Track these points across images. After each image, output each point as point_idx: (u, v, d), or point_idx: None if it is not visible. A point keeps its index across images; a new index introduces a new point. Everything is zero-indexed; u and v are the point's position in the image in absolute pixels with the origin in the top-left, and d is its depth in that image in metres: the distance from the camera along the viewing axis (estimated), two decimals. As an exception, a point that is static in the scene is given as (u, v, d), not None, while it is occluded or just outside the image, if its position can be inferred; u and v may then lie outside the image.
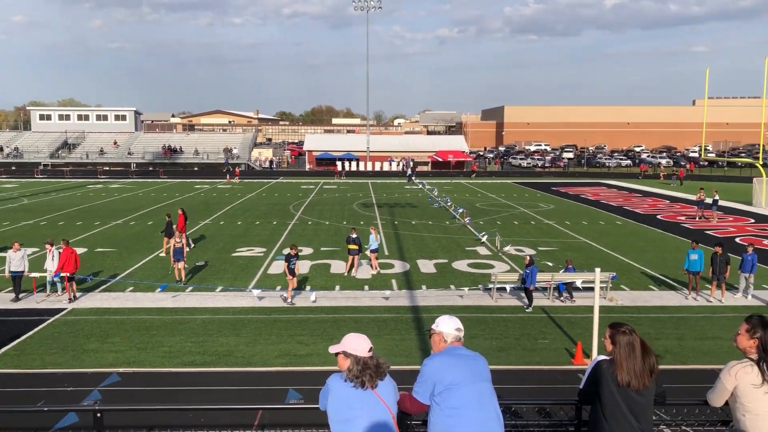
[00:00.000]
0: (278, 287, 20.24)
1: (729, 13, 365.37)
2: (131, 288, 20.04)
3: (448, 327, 4.68)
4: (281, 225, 33.72)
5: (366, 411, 4.25)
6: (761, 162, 46.45)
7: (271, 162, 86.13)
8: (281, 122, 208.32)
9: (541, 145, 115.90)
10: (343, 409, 4.26)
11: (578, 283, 18.92)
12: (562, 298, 18.94)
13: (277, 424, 10.00)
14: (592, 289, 16.16)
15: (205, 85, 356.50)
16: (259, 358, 14.14)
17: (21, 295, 18.71)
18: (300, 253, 25.73)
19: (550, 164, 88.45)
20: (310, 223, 34.70)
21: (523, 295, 18.40)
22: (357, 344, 4.44)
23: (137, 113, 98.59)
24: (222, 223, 34.54)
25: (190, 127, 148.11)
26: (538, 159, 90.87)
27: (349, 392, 4.28)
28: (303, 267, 23.23)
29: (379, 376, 4.38)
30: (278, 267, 23.28)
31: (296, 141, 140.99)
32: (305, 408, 4.98)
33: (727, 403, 4.82)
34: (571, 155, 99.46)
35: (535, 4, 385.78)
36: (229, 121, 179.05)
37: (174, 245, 20.78)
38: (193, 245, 26.56)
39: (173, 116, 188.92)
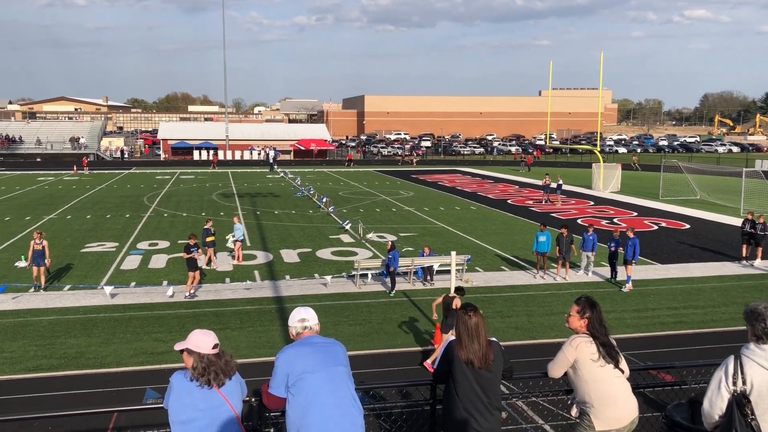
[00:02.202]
0: (132, 283, 19.29)
1: (568, 9, 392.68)
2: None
3: (291, 320, 4.68)
4: (135, 218, 32.10)
5: (208, 412, 4.14)
6: (599, 149, 50.47)
7: (122, 152, 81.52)
8: (133, 110, 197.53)
9: (400, 133, 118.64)
10: (184, 409, 4.12)
11: (436, 267, 19.64)
12: (424, 282, 19.57)
13: (135, 426, 9.60)
14: (449, 271, 16.87)
15: (46, 70, 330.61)
16: (113, 358, 13.42)
17: None
18: (156, 247, 24.71)
19: (410, 152, 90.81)
20: (166, 215, 33.31)
21: (387, 280, 18.82)
22: (200, 341, 4.29)
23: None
24: (69, 217, 32.31)
25: (31, 115, 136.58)
26: (398, 147, 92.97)
27: (192, 391, 4.15)
28: (160, 261, 22.29)
29: (226, 374, 4.27)
30: (132, 262, 22.18)
31: (150, 129, 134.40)
32: (162, 408, 4.79)
33: (566, 373, 5.20)
34: (428, 144, 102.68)
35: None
36: (75, 109, 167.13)
37: (33, 248, 18.62)
38: None
39: (11, 103, 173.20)
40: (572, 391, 5.28)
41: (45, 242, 18.75)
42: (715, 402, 4.18)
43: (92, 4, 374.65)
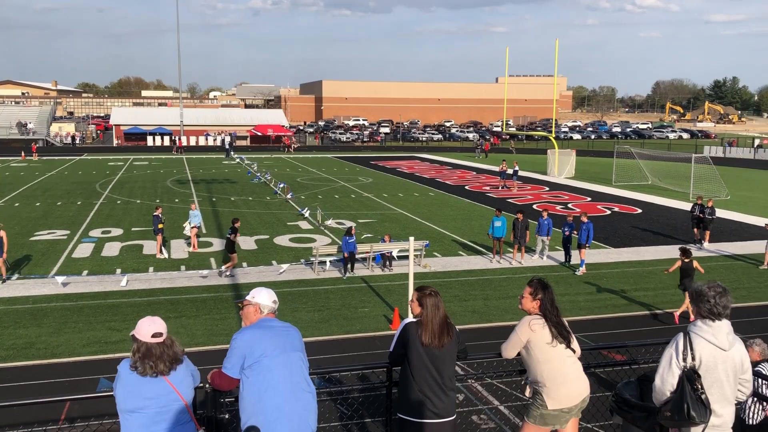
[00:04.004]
0: (85, 272, 18.86)
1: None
2: None
3: (265, 299, 4.63)
4: (87, 205, 31.34)
5: (155, 400, 4.07)
6: (554, 135, 51.21)
7: (73, 137, 79.33)
8: (84, 94, 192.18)
9: (359, 119, 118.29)
10: (130, 397, 4.05)
11: (395, 253, 19.72)
12: (383, 268, 19.62)
13: (87, 416, 9.42)
14: (407, 257, 16.95)
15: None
16: (64, 348, 13.12)
17: None
18: (109, 235, 24.19)
19: (369, 138, 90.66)
20: (119, 202, 32.61)
21: (343, 268, 18.87)
22: (141, 327, 4.21)
23: None
24: (17, 204, 31.35)
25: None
26: (356, 133, 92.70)
27: (137, 379, 4.08)
28: (113, 249, 21.84)
29: (167, 362, 4.16)
30: (85, 250, 21.67)
31: (102, 114, 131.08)
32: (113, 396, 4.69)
33: (519, 354, 5.29)
34: (387, 130, 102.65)
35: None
36: (23, 93, 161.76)
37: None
38: None
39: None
40: (525, 371, 5.37)
41: (3, 232, 18.01)
42: (667, 378, 4.31)
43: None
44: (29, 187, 37.92)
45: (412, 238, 14.90)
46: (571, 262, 20.07)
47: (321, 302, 16.31)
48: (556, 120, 65.81)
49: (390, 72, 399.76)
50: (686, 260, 15.24)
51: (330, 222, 26.62)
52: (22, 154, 59.83)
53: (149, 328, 4.21)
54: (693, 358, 4.29)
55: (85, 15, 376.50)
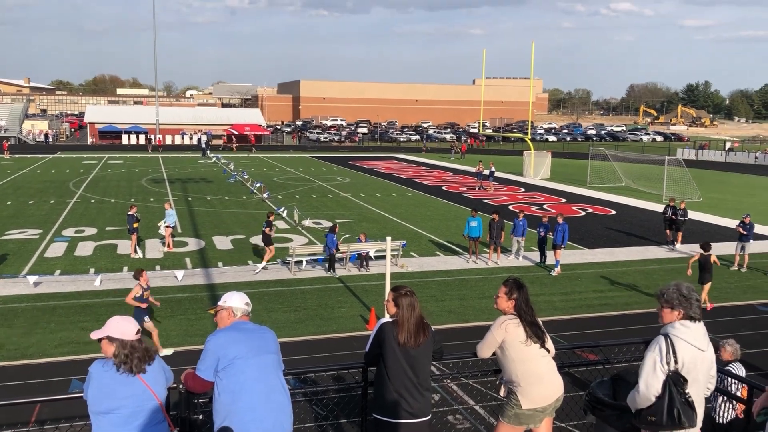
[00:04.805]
0: (57, 271, 18.58)
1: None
2: None
3: (237, 302, 4.62)
4: (60, 204, 30.88)
5: (130, 400, 4.05)
6: (530, 137, 51.60)
7: (46, 135, 78.11)
8: (58, 92, 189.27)
9: (337, 119, 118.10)
10: (104, 399, 4.02)
11: (372, 253, 19.71)
12: (360, 268, 19.60)
13: (58, 417, 9.29)
14: (384, 257, 16.95)
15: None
16: (35, 349, 12.91)
17: None
18: (83, 234, 23.86)
19: (346, 138, 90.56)
20: (93, 201, 32.18)
21: (327, 265, 18.88)
22: (123, 327, 4.20)
23: None
24: (-13, 203, 30.79)
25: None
26: (334, 133, 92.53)
27: (112, 380, 4.05)
28: (86, 249, 21.54)
29: (147, 360, 4.19)
30: (57, 250, 21.35)
31: (76, 113, 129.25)
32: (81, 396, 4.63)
33: (494, 354, 5.32)
34: (365, 130, 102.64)
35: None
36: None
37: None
38: None
39: None
40: (500, 371, 5.40)
41: None
42: (652, 383, 4.29)
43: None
44: (0, 186, 37.25)
45: (389, 238, 14.92)
46: (547, 263, 20.23)
47: (297, 302, 16.24)
48: (532, 122, 66.35)
49: (368, 73, 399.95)
50: (705, 254, 15.97)
51: (307, 222, 26.54)
52: (-7, 151, 58.75)
53: (132, 327, 4.22)
54: (676, 362, 4.28)
55: (58, 10, 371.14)
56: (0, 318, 14.65)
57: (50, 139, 77.45)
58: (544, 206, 32.45)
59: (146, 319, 12.76)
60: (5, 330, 13.92)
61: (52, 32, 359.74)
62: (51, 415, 9.56)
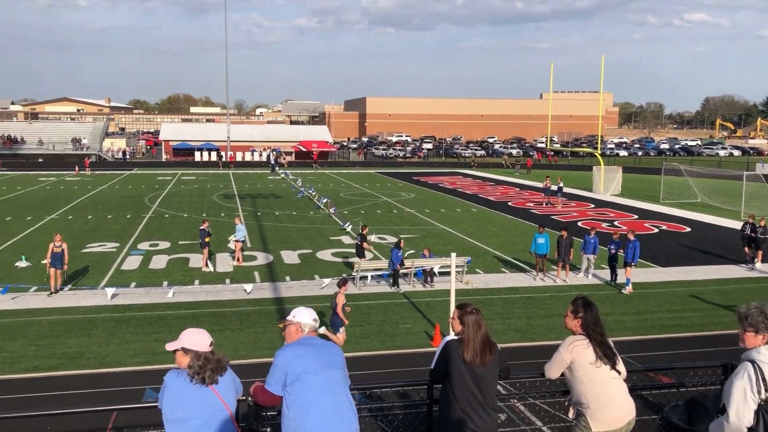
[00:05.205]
0: (133, 284, 19.31)
1: (569, 12, 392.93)
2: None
3: (305, 317, 4.70)
4: (136, 218, 32.14)
5: (202, 411, 4.17)
6: (599, 152, 50.49)
7: (124, 152, 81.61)
8: (135, 111, 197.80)
9: (402, 135, 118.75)
10: (178, 408, 4.15)
11: (436, 269, 19.65)
12: (424, 284, 19.57)
13: (133, 425, 9.60)
14: (449, 273, 16.87)
15: (49, 70, 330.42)
16: (112, 358, 13.43)
17: None
18: (157, 248, 24.73)
19: (411, 154, 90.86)
20: (167, 216, 33.34)
21: (392, 280, 18.97)
22: (198, 339, 4.33)
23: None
24: (71, 217, 32.34)
25: (33, 116, 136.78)
26: (399, 149, 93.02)
27: (185, 390, 4.18)
28: (160, 262, 22.31)
29: (220, 371, 4.31)
30: (133, 262, 22.20)
31: (152, 130, 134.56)
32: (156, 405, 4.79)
33: (562, 374, 5.21)
34: (430, 146, 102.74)
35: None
36: (78, 110, 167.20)
37: (53, 250, 18.06)
38: None
39: (13, 103, 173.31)
40: (569, 392, 5.28)
41: (65, 245, 18.50)
42: (744, 413, 4.10)
43: (94, 5, 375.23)
44: (82, 201, 39.10)
45: (453, 254, 14.84)
46: (617, 281, 19.67)
47: (362, 317, 16.33)
48: (601, 136, 64.91)
49: (433, 88, 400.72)
50: None
51: (372, 237, 26.70)
52: (76, 168, 61.75)
53: (206, 339, 4.35)
54: (767, 390, 4.08)
55: (137, 34, 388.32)
56: (80, 327, 15.33)
57: (127, 156, 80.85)
58: (615, 223, 31.60)
59: (342, 330, 13.57)
60: (85, 339, 14.54)
61: (132, 54, 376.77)
62: (127, 423, 9.91)
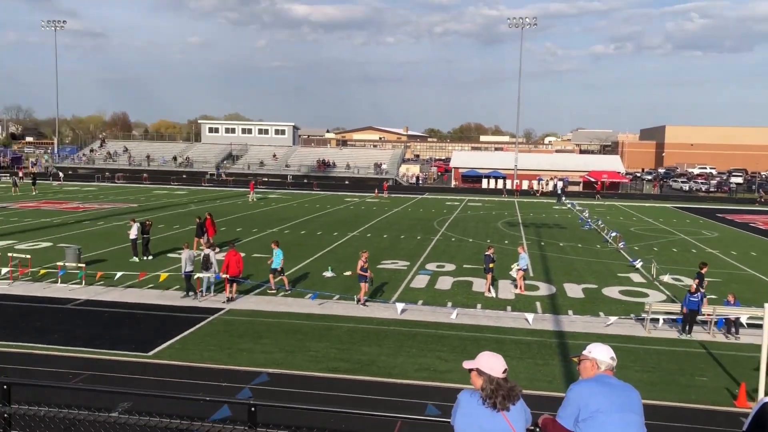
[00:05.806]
0: (420, 301, 20.40)
1: None
2: (283, 293, 21.07)
3: (603, 354, 4.50)
4: (425, 240, 34.02)
5: None
6: None
7: (417, 178, 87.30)
8: (429, 139, 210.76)
9: (705, 167, 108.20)
10: (468, 427, 4.21)
11: (743, 320, 17.37)
12: (727, 335, 17.47)
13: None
14: (759, 326, 14.80)
15: (358, 102, 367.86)
16: (399, 370, 14.30)
17: (191, 294, 20.19)
18: (443, 269, 25.86)
19: (716, 189, 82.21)
20: (453, 239, 34.71)
21: (682, 326, 17.31)
22: (492, 363, 4.36)
23: (295, 128, 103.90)
24: (369, 235, 35.46)
25: (343, 143, 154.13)
26: (701, 183, 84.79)
27: (478, 411, 4.22)
28: (446, 283, 23.25)
29: (512, 399, 4.27)
30: (421, 281, 23.48)
31: (443, 158, 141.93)
32: (443, 421, 4.94)
33: None
34: (740, 180, 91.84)
35: (701, 20, 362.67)
36: (380, 138, 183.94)
37: (361, 266, 19.68)
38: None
39: (327, 132, 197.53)
40: None
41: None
42: None
43: (400, 42, 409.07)
44: (379, 221, 42.65)
45: (767, 305, 12.97)
46: None
47: (652, 363, 15.10)
48: None
49: (744, 116, 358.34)
50: None
51: (666, 277, 24.63)
52: (375, 191, 67.73)
53: (499, 364, 4.39)
54: None
55: (435, 66, 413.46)
56: (373, 337, 16.64)
57: (420, 182, 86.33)
58: None
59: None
60: (376, 348, 15.74)
61: (429, 85, 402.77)
62: (409, 433, 10.43)
